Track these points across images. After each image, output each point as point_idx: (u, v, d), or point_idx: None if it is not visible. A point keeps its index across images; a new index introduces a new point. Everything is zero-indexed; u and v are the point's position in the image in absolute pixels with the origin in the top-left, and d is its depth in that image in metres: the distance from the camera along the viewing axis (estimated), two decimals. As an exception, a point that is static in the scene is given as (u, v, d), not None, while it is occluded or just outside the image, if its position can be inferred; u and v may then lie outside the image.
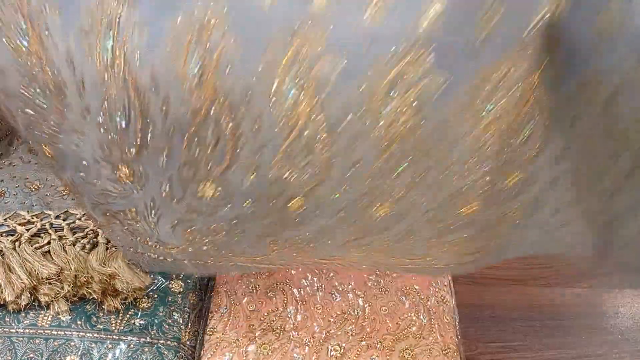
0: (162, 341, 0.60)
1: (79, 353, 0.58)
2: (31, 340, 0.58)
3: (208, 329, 0.61)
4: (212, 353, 0.59)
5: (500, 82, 0.37)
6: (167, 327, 0.62)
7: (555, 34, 0.35)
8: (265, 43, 0.35)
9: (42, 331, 0.59)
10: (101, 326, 0.60)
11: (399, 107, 0.37)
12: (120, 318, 0.61)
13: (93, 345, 0.59)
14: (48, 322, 0.60)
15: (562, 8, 0.34)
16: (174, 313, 0.62)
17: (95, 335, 0.59)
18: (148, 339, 0.60)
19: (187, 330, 0.63)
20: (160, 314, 0.62)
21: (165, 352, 0.60)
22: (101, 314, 0.61)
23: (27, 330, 0.59)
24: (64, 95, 0.39)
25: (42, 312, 0.60)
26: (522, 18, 0.35)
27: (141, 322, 0.61)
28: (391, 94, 0.37)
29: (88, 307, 0.61)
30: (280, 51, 0.36)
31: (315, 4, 0.34)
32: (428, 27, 0.34)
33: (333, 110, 0.38)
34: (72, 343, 0.58)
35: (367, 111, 0.38)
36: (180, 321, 0.63)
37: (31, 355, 0.57)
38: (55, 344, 0.58)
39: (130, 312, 0.62)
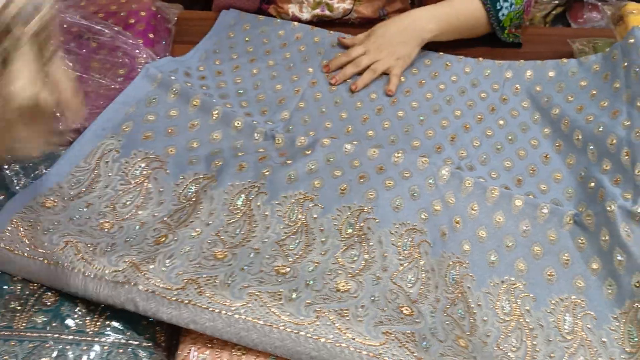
0: (137, 342, 0.60)
1: (54, 355, 0.58)
2: (6, 343, 0.58)
3: (183, 330, 0.61)
4: (186, 353, 0.59)
5: None
6: (142, 328, 0.62)
7: None
8: None
9: (17, 333, 0.59)
10: (76, 328, 0.60)
11: None
12: (95, 319, 0.61)
13: (68, 347, 0.58)
14: (23, 325, 0.60)
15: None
16: (149, 314, 0.62)
17: (70, 337, 0.59)
18: (123, 341, 0.60)
19: (163, 331, 0.63)
20: (136, 315, 0.62)
21: (141, 353, 0.60)
22: (76, 315, 0.61)
23: (2, 333, 0.59)
24: None
25: (18, 314, 0.60)
26: None
27: (116, 323, 0.61)
28: None
29: (63, 308, 0.61)
30: None
31: None
32: None
33: None
34: (47, 345, 0.58)
35: None
36: (156, 322, 0.63)
37: (6, 357, 0.57)
38: (30, 346, 0.58)
39: (106, 314, 0.62)
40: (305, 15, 1.12)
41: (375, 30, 1.00)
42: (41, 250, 0.63)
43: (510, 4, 1.00)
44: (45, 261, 0.62)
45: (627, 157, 0.77)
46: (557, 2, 1.78)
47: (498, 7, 1.00)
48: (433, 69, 1.02)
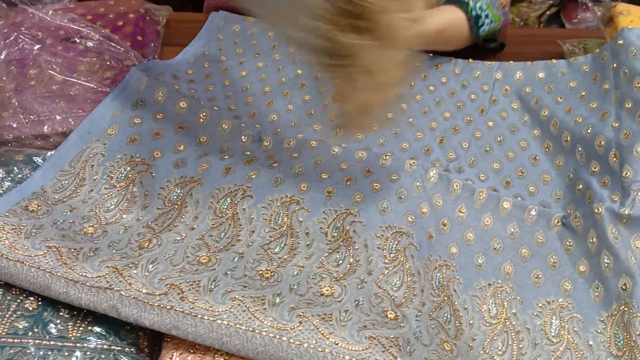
0: (119, 348, 0.60)
1: (35, 361, 0.57)
2: (-13, 349, 0.58)
3: (166, 335, 0.60)
4: (169, 359, 0.58)
5: None
6: (125, 333, 0.61)
7: None
8: None
9: (-3, 339, 0.59)
10: (58, 333, 0.60)
11: None
12: (77, 325, 0.60)
13: (49, 353, 0.58)
14: (4, 330, 0.59)
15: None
16: (132, 319, 0.62)
17: (52, 343, 0.59)
18: (105, 346, 0.60)
19: (146, 336, 0.62)
20: (119, 320, 0.61)
21: (123, 359, 0.59)
22: (59, 320, 0.60)
23: (-17, 339, 0.59)
24: None
25: (-1, 320, 0.60)
26: None
27: (99, 328, 0.61)
28: None
29: (46, 314, 0.61)
30: None
31: None
32: None
33: None
34: (28, 351, 0.58)
35: None
36: (139, 327, 0.62)
37: (-14, 363, 0.57)
38: (11, 352, 0.57)
39: (88, 319, 0.61)
40: None
41: None
42: (23, 254, 0.62)
43: (491, 21, 1.00)
44: (27, 265, 0.62)
45: (615, 159, 0.77)
46: (551, 2, 1.78)
47: (480, 24, 0.99)
48: (422, 71, 1.01)
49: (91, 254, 0.64)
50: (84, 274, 0.61)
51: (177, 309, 0.58)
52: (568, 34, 1.12)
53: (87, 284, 0.60)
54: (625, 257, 0.68)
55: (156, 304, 0.58)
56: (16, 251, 0.62)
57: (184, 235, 0.69)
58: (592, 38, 1.04)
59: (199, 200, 0.73)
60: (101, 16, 1.02)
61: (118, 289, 0.59)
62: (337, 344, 0.57)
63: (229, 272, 0.64)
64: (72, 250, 0.64)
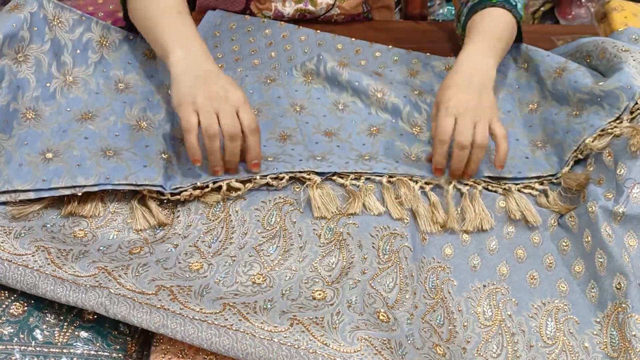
0: (107, 353, 0.59)
1: (20, 368, 0.56)
2: (-29, 356, 0.57)
3: (154, 340, 0.60)
4: (158, 364, 0.57)
5: None
6: (113, 338, 0.60)
7: None
8: None
9: (-18, 346, 0.57)
10: (44, 339, 0.58)
11: None
12: (64, 330, 0.59)
13: (35, 359, 0.57)
14: (-10, 337, 0.58)
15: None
16: (120, 324, 0.61)
17: (38, 349, 0.58)
18: (92, 352, 0.58)
19: (134, 341, 0.61)
20: (106, 325, 0.61)
21: (110, 365, 0.58)
22: (45, 326, 0.59)
23: (-32, 346, 0.57)
24: None
25: (-16, 326, 0.59)
26: None
27: (86, 334, 0.59)
28: None
29: (31, 319, 0.59)
30: None
31: None
32: None
33: None
34: (14, 358, 0.57)
35: None
36: (127, 332, 0.61)
37: (-30, 371, 0.56)
38: (-4, 359, 0.57)
39: (75, 324, 0.60)
40: (288, 9, 1.10)
41: (444, 93, 0.79)
42: (10, 253, 0.61)
43: (520, 23, 0.94)
44: (15, 263, 0.60)
45: (609, 158, 0.76)
46: (545, -2, 1.78)
47: (513, 3, 0.92)
48: (416, 68, 1.00)
49: (81, 256, 0.63)
50: (73, 273, 0.60)
51: (167, 308, 0.57)
52: (562, 31, 1.11)
53: (76, 282, 0.59)
54: (619, 255, 0.68)
55: (145, 302, 0.57)
56: (4, 251, 0.61)
57: (176, 243, 0.68)
58: (586, 34, 1.03)
59: (190, 208, 0.72)
60: (90, 15, 1.01)
61: (107, 286, 0.58)
62: (327, 345, 0.56)
63: (220, 280, 0.63)
64: (62, 251, 0.63)
